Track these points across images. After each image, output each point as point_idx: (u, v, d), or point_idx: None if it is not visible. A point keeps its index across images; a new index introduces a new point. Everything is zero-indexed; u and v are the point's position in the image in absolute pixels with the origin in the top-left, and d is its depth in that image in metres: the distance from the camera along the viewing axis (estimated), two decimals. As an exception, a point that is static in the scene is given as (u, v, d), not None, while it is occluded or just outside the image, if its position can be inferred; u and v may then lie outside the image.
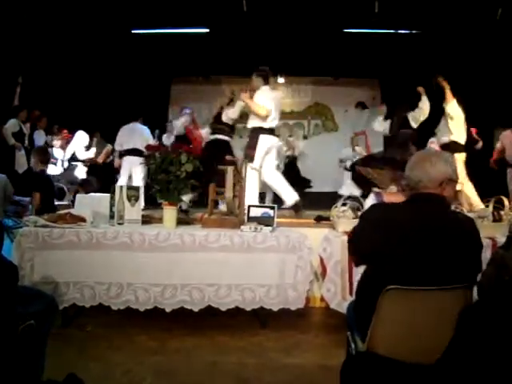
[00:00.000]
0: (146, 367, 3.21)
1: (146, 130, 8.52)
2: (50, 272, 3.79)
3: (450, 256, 1.99)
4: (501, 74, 8.82)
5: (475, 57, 9.15)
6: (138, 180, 7.93)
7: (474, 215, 4.10)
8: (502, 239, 3.89)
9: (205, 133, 7.73)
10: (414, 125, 6.63)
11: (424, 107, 6.61)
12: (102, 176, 9.55)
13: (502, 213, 4.20)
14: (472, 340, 1.08)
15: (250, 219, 4.26)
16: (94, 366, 3.17)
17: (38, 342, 2.17)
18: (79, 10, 8.16)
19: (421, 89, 6.70)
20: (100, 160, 9.73)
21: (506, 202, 4.24)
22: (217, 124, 7.39)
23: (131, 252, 3.86)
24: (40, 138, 9.15)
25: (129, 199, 4.19)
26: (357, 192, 6.74)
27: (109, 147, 9.71)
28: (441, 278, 1.97)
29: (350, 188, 9.45)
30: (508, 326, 1.02)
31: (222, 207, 5.11)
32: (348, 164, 9.85)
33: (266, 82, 6.06)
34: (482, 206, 5.32)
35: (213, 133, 7.39)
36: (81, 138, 9.39)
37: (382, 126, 7.11)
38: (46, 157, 6.03)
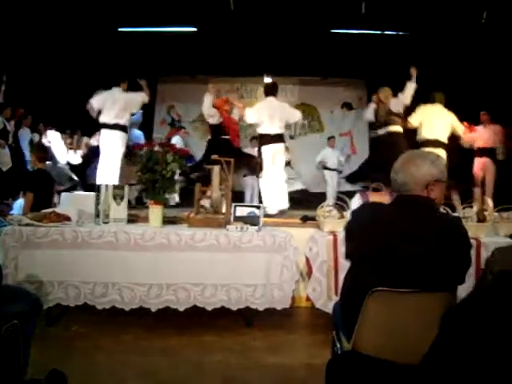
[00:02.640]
0: (131, 367, 3.20)
1: None
2: (34, 271, 3.76)
3: (436, 258, 1.99)
4: (486, 75, 8.90)
5: (461, 58, 9.23)
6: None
7: (459, 215, 4.13)
8: (485, 239, 3.94)
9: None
10: (404, 104, 6.75)
11: (411, 87, 6.73)
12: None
13: (486, 213, 4.24)
14: (455, 340, 1.09)
15: (236, 219, 4.26)
16: (79, 365, 3.15)
17: (21, 342, 2.15)
18: (65, 7, 8.10)
19: (414, 70, 6.78)
20: (84, 152, 9.74)
21: (490, 202, 4.28)
22: None
23: (116, 251, 3.85)
24: (25, 136, 9.08)
25: (114, 198, 4.17)
26: None
27: (85, 140, 9.71)
28: (427, 280, 1.97)
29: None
30: (491, 326, 1.03)
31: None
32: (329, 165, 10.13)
33: (267, 95, 6.68)
34: None
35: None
36: (54, 138, 9.24)
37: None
38: (44, 154, 5.88)
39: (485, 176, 8.13)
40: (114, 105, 6.91)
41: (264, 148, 6.49)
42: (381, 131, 6.83)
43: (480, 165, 8.20)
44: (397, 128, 6.66)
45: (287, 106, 6.77)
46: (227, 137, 7.38)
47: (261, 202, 6.44)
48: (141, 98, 7.15)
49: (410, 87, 6.69)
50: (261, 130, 6.53)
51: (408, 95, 6.66)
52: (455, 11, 8.02)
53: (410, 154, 2.23)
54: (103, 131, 7.04)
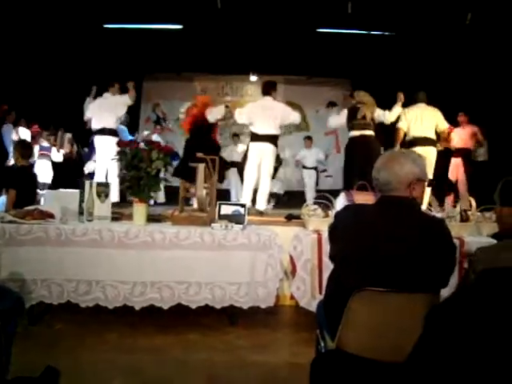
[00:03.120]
0: (116, 366, 3.19)
1: None
2: (17, 269, 3.73)
3: (419, 259, 2.00)
4: (469, 76, 8.99)
5: (446, 59, 9.31)
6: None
7: (443, 215, 4.17)
8: (469, 239, 3.97)
9: None
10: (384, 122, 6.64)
11: (397, 111, 6.65)
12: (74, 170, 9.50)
13: (470, 213, 4.28)
14: (439, 339, 1.10)
15: (221, 217, 4.26)
16: (63, 364, 3.10)
17: (3, 341, 2.13)
18: (51, 3, 8.03)
19: (401, 95, 6.72)
20: (67, 150, 9.66)
21: (474, 202, 4.33)
22: None
23: (100, 249, 3.83)
24: (8, 132, 8.98)
25: (98, 195, 4.15)
26: None
27: (68, 135, 9.67)
28: (410, 280, 1.98)
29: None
30: (474, 324, 1.04)
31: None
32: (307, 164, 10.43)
33: (263, 93, 6.57)
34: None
35: None
36: (24, 135, 9.00)
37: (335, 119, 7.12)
38: (27, 151, 5.78)
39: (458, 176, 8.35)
40: (101, 110, 7.10)
41: (251, 145, 6.42)
42: (355, 133, 6.57)
43: (454, 165, 8.40)
44: (371, 133, 6.51)
45: (283, 106, 6.61)
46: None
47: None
48: (124, 100, 7.20)
49: (396, 111, 6.60)
50: (252, 129, 6.43)
51: (392, 117, 6.55)
52: (440, 12, 8.08)
53: (392, 153, 2.23)
54: (95, 137, 7.33)
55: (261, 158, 6.33)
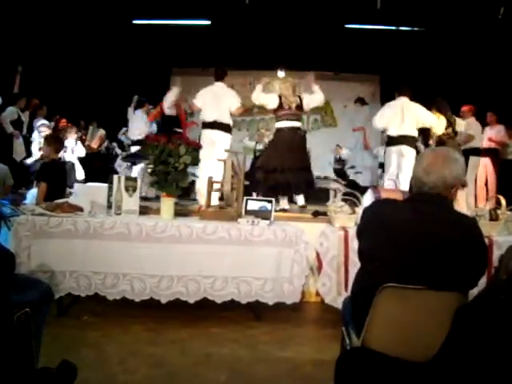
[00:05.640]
0: (141, 357, 3.22)
1: None
2: (46, 261, 3.79)
3: (450, 257, 1.97)
4: (502, 72, 8.83)
5: (477, 55, 9.15)
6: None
7: (471, 214, 4.11)
8: (498, 238, 3.91)
9: None
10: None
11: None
12: (99, 163, 9.59)
13: (499, 212, 4.21)
14: (467, 338, 1.08)
15: (248, 212, 4.27)
16: (89, 354, 3.18)
17: (33, 331, 2.17)
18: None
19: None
20: (94, 145, 9.73)
21: (503, 201, 4.25)
22: None
23: (128, 242, 3.87)
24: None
25: (127, 189, 4.18)
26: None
27: (101, 131, 9.73)
28: (439, 278, 1.96)
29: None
30: (504, 325, 1.03)
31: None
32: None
33: (216, 79, 6.39)
34: None
35: None
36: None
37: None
38: (60, 145, 5.87)
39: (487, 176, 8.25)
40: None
41: (202, 133, 6.27)
42: (281, 124, 6.12)
43: (483, 165, 8.25)
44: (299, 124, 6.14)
45: (230, 92, 6.36)
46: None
47: None
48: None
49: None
50: (202, 116, 6.27)
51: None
52: (471, 7, 7.94)
53: (439, 154, 2.13)
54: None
55: (213, 147, 6.02)
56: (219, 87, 6.32)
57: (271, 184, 5.87)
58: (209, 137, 6.20)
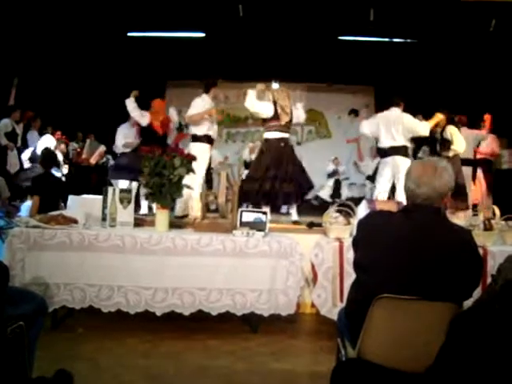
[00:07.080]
0: (136, 370, 3.20)
1: None
2: (40, 273, 3.78)
3: (445, 268, 1.98)
4: (493, 82, 8.90)
5: (469, 67, 9.23)
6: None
7: (466, 224, 4.12)
8: (492, 248, 3.92)
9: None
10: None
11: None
12: (95, 177, 9.58)
13: (493, 222, 4.22)
14: (462, 348, 1.09)
15: (243, 224, 4.26)
16: (84, 368, 3.15)
17: (27, 344, 2.16)
18: (75, 12, 8.16)
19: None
20: (93, 161, 9.73)
21: (497, 210, 4.27)
22: None
23: (123, 255, 3.85)
24: (33, 138, 9.12)
25: (121, 201, 4.17)
26: None
27: (102, 148, 9.70)
28: (433, 289, 1.97)
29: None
30: (497, 334, 1.03)
31: None
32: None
33: (205, 91, 6.50)
34: None
35: None
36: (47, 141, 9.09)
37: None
38: (55, 160, 5.94)
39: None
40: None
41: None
42: (269, 135, 6.13)
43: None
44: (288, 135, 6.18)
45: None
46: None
47: None
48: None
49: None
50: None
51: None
52: (464, 19, 8.02)
53: (431, 166, 2.12)
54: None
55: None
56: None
57: (260, 193, 5.86)
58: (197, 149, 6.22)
